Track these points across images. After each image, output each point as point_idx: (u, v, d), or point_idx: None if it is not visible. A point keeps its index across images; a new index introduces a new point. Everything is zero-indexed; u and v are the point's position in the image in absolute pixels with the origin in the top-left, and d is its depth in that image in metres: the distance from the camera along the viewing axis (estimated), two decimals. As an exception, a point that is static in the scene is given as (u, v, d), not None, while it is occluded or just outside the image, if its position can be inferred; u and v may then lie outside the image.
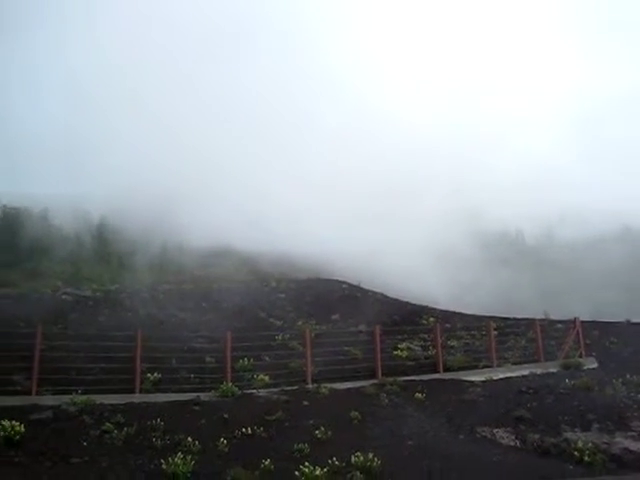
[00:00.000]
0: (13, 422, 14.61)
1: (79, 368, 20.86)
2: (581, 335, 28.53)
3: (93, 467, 13.66)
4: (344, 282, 44.03)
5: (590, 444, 16.00)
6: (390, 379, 22.00)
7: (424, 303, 41.60)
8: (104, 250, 52.84)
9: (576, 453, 15.59)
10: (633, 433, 16.97)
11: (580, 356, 27.37)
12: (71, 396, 17.86)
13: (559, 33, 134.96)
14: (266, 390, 20.59)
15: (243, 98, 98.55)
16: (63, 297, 32.21)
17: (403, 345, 29.01)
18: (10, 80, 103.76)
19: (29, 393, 18.79)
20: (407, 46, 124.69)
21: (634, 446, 16.41)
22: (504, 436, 17.20)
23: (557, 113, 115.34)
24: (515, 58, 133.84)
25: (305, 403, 19.19)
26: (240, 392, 19.69)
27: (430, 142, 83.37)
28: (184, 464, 13.41)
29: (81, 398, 17.64)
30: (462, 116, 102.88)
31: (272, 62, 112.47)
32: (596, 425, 17.29)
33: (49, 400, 17.72)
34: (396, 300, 42.26)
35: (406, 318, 36.92)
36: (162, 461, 13.56)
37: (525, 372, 24.08)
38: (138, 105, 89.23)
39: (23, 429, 14.61)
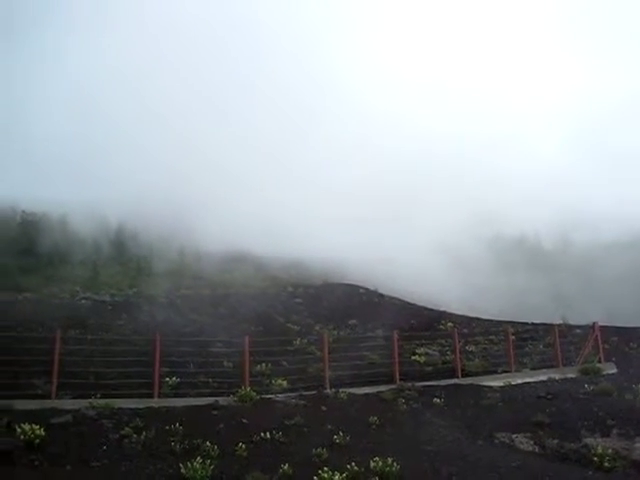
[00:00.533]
0: (33, 426, 14.66)
1: (98, 372, 20.98)
2: (600, 340, 28.36)
3: (113, 471, 13.68)
4: (361, 287, 44.06)
5: (610, 450, 15.92)
6: (408, 384, 21.98)
7: (441, 308, 41.58)
8: (122, 255, 53.17)
9: (596, 459, 15.49)
10: (653, 439, 16.90)
11: (599, 361, 27.22)
12: (90, 400, 17.94)
13: (566, 36, 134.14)
14: (284, 395, 20.62)
15: (258, 105, 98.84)
16: (82, 302, 32.45)
17: (421, 350, 29.04)
18: (28, 85, 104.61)
19: (49, 397, 18.88)
20: (416, 51, 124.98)
21: (655, 452, 16.34)
22: (523, 441, 17.13)
23: (571, 118, 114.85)
24: (526, 61, 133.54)
25: (323, 408, 19.19)
26: (258, 397, 19.65)
27: (444, 147, 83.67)
28: (203, 469, 13.41)
29: (100, 402, 17.70)
30: (476, 121, 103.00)
31: (285, 70, 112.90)
32: (616, 431, 17.21)
33: (68, 404, 17.78)
34: (413, 305, 42.28)
35: (424, 323, 36.97)
36: (181, 465, 13.56)
37: (544, 377, 23.98)
38: (155, 112, 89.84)
39: (43, 433, 14.65)
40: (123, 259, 52.60)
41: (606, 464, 15.22)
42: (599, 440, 16.73)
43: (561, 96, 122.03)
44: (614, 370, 26.31)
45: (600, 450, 15.83)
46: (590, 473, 14.94)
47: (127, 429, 15.86)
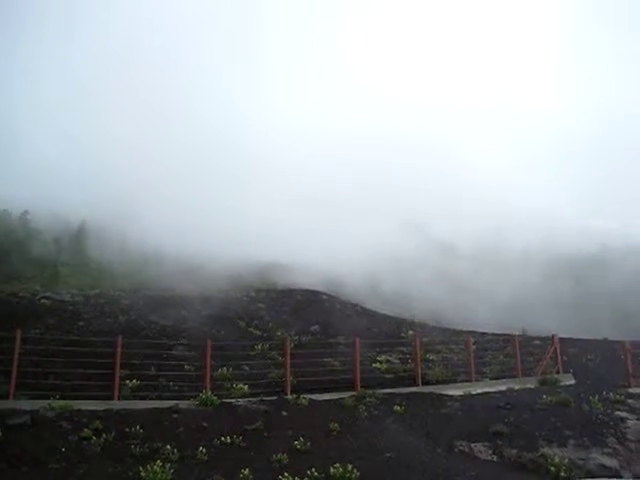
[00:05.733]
0: (-10, 426, 14.50)
1: (58, 373, 20.72)
2: (559, 352, 28.75)
3: (71, 473, 13.58)
4: (323, 293, 43.97)
5: (566, 460, 16.26)
6: (369, 391, 22.01)
7: (403, 316, 41.81)
8: (83, 255, 52.49)
9: (552, 468, 15.81)
10: (609, 450, 17.24)
11: (557, 372, 27.59)
12: (49, 401, 17.71)
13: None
14: (245, 400, 20.54)
15: (218, 115, 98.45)
16: (42, 301, 31.96)
17: (382, 357, 29.12)
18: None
19: (7, 397, 18.64)
20: (356, 56, 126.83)
21: (609, 462, 16.68)
22: (482, 450, 17.33)
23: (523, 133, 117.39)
24: (468, 70, 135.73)
25: (284, 413, 19.19)
26: (219, 401, 19.58)
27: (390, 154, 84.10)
28: (163, 472, 13.39)
29: (59, 403, 17.49)
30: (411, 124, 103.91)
31: (220, 81, 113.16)
32: (572, 441, 17.50)
33: (27, 405, 17.53)
34: (375, 312, 42.37)
35: (385, 331, 37.10)
36: (141, 469, 13.53)
37: (503, 387, 24.20)
38: (121, 115, 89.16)
39: (0, 434, 14.50)
40: (85, 259, 51.96)
41: (562, 474, 15.54)
42: (556, 450, 17.00)
43: (522, 107, 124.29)
44: (572, 381, 26.74)
45: (557, 460, 16.16)
46: (547, 482, 15.24)
47: (86, 431, 15.76)
